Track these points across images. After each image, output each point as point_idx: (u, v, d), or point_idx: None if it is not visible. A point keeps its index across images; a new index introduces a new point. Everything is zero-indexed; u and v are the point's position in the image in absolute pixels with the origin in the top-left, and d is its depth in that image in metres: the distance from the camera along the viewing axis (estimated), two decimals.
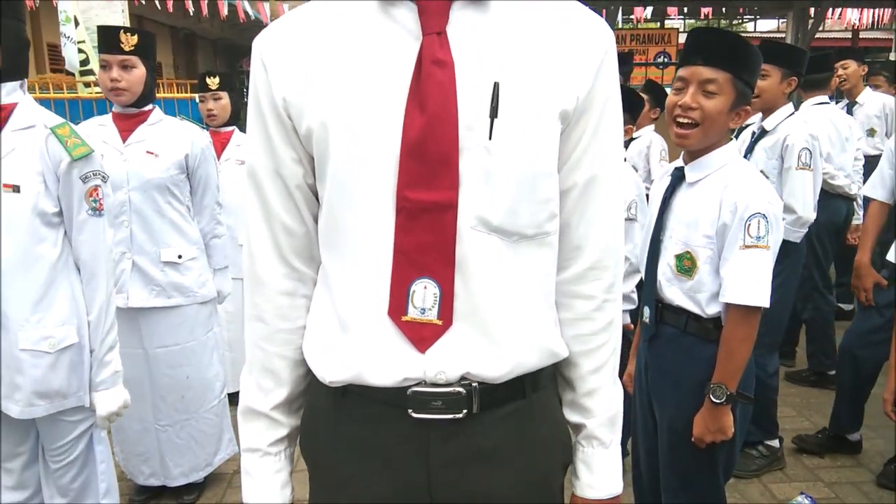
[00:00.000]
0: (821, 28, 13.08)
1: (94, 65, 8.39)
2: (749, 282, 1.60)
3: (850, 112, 4.39)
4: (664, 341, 1.79)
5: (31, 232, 1.69)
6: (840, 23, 13.35)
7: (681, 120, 1.68)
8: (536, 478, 0.96)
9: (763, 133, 2.89)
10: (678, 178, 1.78)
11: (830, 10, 9.55)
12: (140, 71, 2.31)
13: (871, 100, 4.34)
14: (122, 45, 2.26)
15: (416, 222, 0.85)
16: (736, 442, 1.76)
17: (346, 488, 0.95)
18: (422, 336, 0.87)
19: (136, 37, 2.29)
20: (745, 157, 2.98)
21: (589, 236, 0.95)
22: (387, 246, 0.87)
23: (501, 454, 0.92)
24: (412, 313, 0.87)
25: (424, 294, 0.86)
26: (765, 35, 16.16)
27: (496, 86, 0.84)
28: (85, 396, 1.81)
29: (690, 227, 1.70)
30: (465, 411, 0.88)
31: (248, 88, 1.01)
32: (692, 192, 1.73)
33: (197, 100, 3.49)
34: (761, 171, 2.86)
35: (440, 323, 0.87)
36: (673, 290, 1.75)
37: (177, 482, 2.61)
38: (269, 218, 0.95)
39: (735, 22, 15.65)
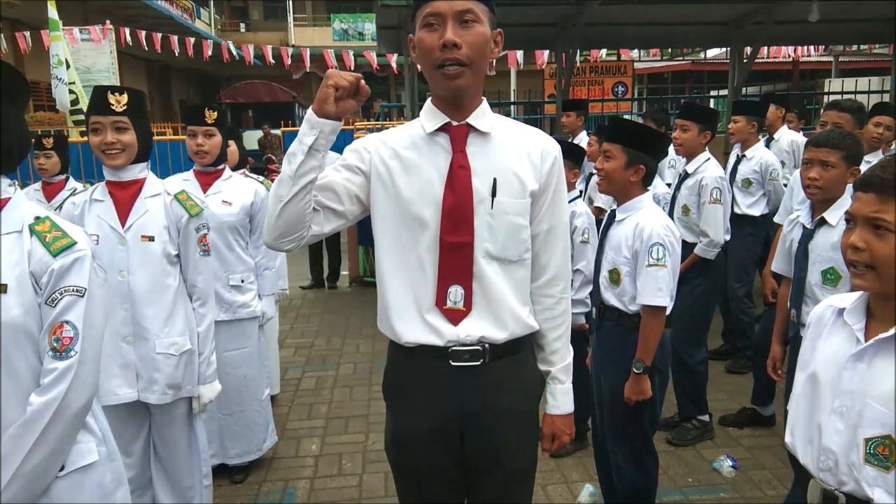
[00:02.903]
0: (762, 56, 14.14)
1: (84, 105, 8.93)
2: (653, 289, 2.35)
3: (767, 146, 5.21)
4: (605, 332, 2.56)
5: (161, 269, 2.36)
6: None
7: (596, 175, 2.52)
8: (524, 398, 1.69)
9: (686, 175, 3.69)
10: (612, 216, 2.55)
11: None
12: (218, 138, 3.02)
13: (785, 136, 5.14)
14: (206, 119, 2.97)
15: (451, 254, 1.58)
16: (656, 401, 2.50)
17: (416, 407, 1.65)
18: (455, 316, 1.59)
19: (216, 112, 3.00)
20: (673, 193, 3.78)
21: (550, 261, 1.68)
22: (435, 266, 1.58)
23: (504, 385, 1.64)
24: (449, 304, 1.59)
25: (456, 293, 1.58)
26: (713, 60, 17.25)
27: (494, 180, 1.58)
28: (194, 389, 2.46)
29: (616, 251, 2.47)
30: (482, 360, 1.60)
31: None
32: (619, 227, 2.50)
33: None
34: (685, 205, 3.67)
35: (465, 309, 1.59)
36: (608, 295, 2.51)
37: (233, 462, 3.26)
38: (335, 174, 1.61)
39: (686, 51, 16.68)
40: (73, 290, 1.41)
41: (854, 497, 1.31)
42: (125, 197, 2.35)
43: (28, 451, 1.35)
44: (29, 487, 1.38)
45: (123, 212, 2.34)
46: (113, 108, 2.26)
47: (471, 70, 1.52)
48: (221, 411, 3.16)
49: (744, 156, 4.46)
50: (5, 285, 1.36)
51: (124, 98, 2.27)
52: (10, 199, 1.45)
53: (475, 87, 1.57)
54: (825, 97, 11.25)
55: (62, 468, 1.45)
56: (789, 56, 14.81)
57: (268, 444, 3.37)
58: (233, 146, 3.85)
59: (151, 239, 2.33)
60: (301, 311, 6.34)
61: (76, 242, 1.44)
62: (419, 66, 1.59)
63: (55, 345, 1.39)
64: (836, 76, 14.38)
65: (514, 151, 1.62)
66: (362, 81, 1.51)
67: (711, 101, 13.03)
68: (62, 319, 1.40)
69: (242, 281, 3.09)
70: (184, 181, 3.00)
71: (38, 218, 1.46)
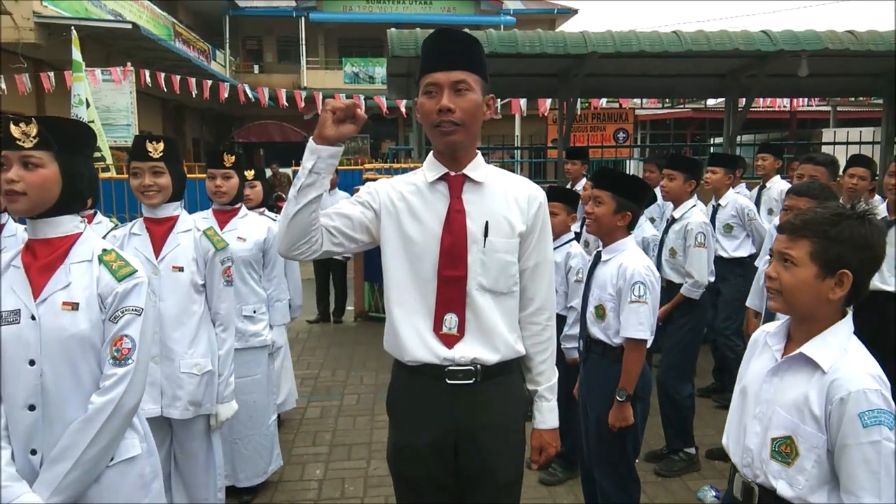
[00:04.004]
0: (759, 106, 14.48)
1: (102, 143, 9.28)
2: (635, 324, 2.58)
3: (759, 194, 5.49)
4: (591, 364, 2.77)
5: (188, 296, 2.61)
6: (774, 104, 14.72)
7: (587, 220, 2.76)
8: (512, 415, 1.90)
9: (673, 220, 3.94)
10: (598, 257, 2.80)
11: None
12: (235, 180, 3.30)
13: (776, 185, 5.39)
14: (224, 162, 3.25)
15: (447, 286, 1.81)
16: (638, 429, 2.70)
17: (415, 420, 1.87)
18: (449, 341, 1.82)
19: (233, 157, 3.28)
20: (661, 237, 4.03)
21: (537, 293, 1.92)
22: (433, 296, 1.82)
23: (494, 404, 1.86)
24: (444, 330, 1.82)
25: (451, 320, 1.82)
26: (713, 108, 17.67)
27: (487, 222, 1.83)
28: (212, 407, 2.68)
29: (602, 289, 2.70)
30: (474, 380, 1.82)
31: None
32: (604, 267, 2.73)
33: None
34: (672, 248, 3.91)
35: (458, 335, 1.82)
36: (594, 329, 2.73)
37: (242, 484, 3.44)
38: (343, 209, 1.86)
39: (685, 99, 17.12)
40: (132, 310, 1.67)
41: (764, 488, 1.56)
42: (160, 232, 2.62)
43: (88, 442, 1.60)
44: (86, 474, 1.62)
45: (158, 245, 2.60)
46: (151, 154, 2.54)
47: (463, 129, 1.78)
48: (232, 435, 3.35)
49: (719, 204, 4.76)
50: (77, 304, 1.62)
51: (161, 146, 2.56)
52: (81, 233, 1.72)
53: (468, 142, 1.83)
54: (822, 147, 11.59)
55: (111, 459, 1.68)
56: (785, 106, 15.18)
57: (272, 467, 3.56)
58: (258, 186, 4.08)
59: (181, 269, 2.59)
60: (307, 343, 6.55)
61: (136, 270, 1.71)
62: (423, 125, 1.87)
63: (115, 354, 1.64)
64: (834, 125, 14.73)
65: (504, 198, 1.87)
66: (359, 110, 1.69)
67: (712, 147, 13.38)
68: (122, 333, 1.66)
69: (255, 312, 3.34)
70: (203, 219, 3.23)
71: (105, 250, 1.73)
